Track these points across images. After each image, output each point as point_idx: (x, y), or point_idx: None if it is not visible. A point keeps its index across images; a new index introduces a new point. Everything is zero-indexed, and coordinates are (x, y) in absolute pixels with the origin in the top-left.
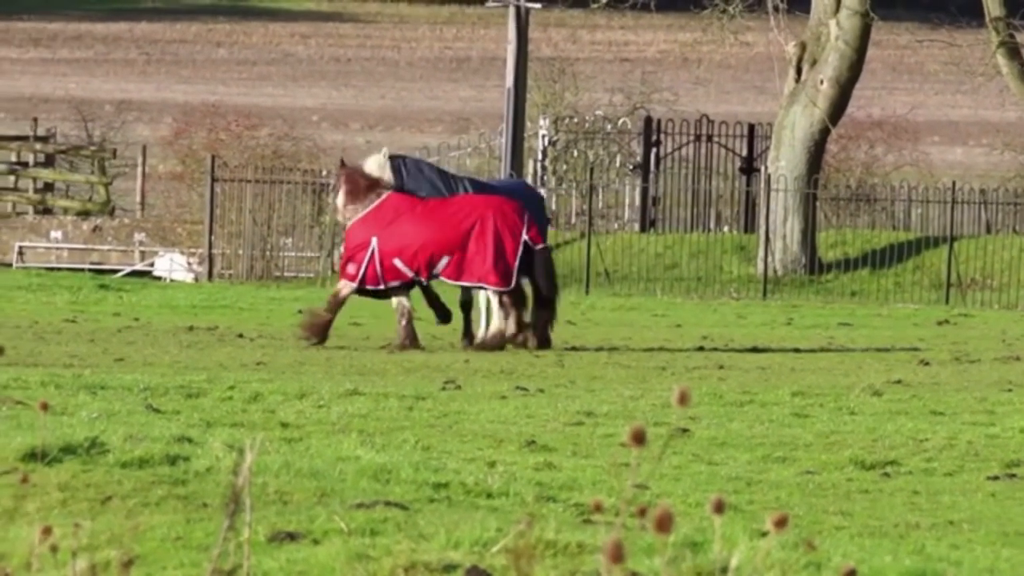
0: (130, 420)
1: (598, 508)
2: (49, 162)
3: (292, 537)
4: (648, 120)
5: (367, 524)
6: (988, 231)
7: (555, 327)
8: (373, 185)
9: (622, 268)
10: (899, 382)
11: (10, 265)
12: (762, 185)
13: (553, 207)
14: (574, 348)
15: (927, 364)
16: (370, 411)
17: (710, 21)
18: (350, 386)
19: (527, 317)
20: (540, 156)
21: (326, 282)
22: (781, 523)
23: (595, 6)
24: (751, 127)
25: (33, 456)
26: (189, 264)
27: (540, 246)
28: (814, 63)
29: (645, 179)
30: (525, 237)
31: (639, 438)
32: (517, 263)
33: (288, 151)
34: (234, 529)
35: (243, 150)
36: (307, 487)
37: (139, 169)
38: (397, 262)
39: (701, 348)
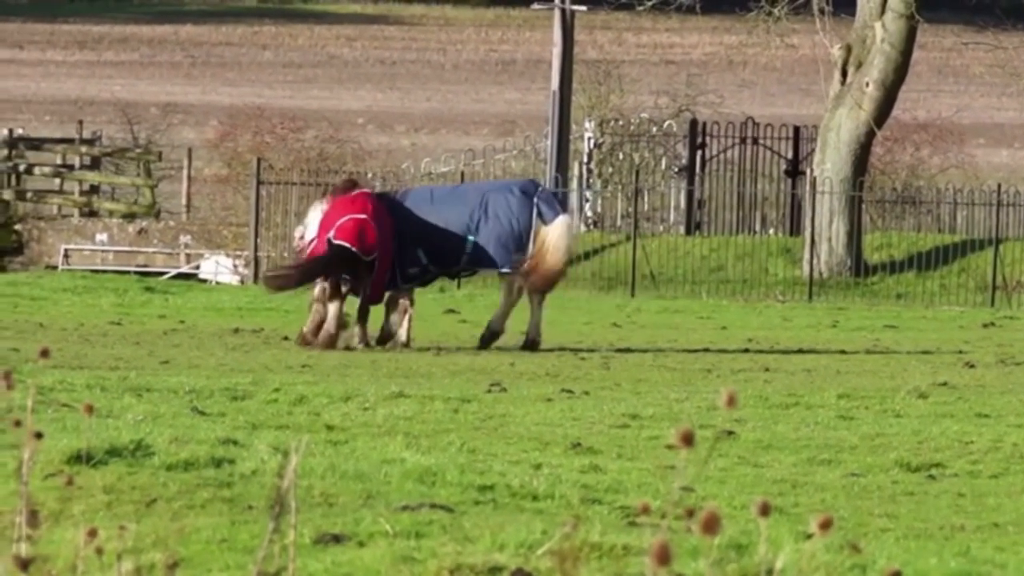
0: (175, 422)
1: (645, 510)
2: (95, 165)
3: (337, 539)
4: (693, 122)
5: (412, 526)
6: None
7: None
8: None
9: (667, 270)
10: (944, 384)
11: (56, 267)
12: (807, 188)
13: (598, 209)
14: (620, 350)
15: (972, 366)
16: (415, 413)
17: (755, 23)
18: (395, 388)
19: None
20: (585, 158)
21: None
22: (826, 525)
23: (641, 8)
24: (796, 129)
25: (79, 458)
26: (235, 266)
27: (338, 242)
28: (859, 66)
29: (691, 182)
30: (331, 233)
31: (687, 440)
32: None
33: (333, 153)
34: (279, 531)
35: (288, 153)
36: (352, 489)
37: (184, 172)
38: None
39: (747, 350)
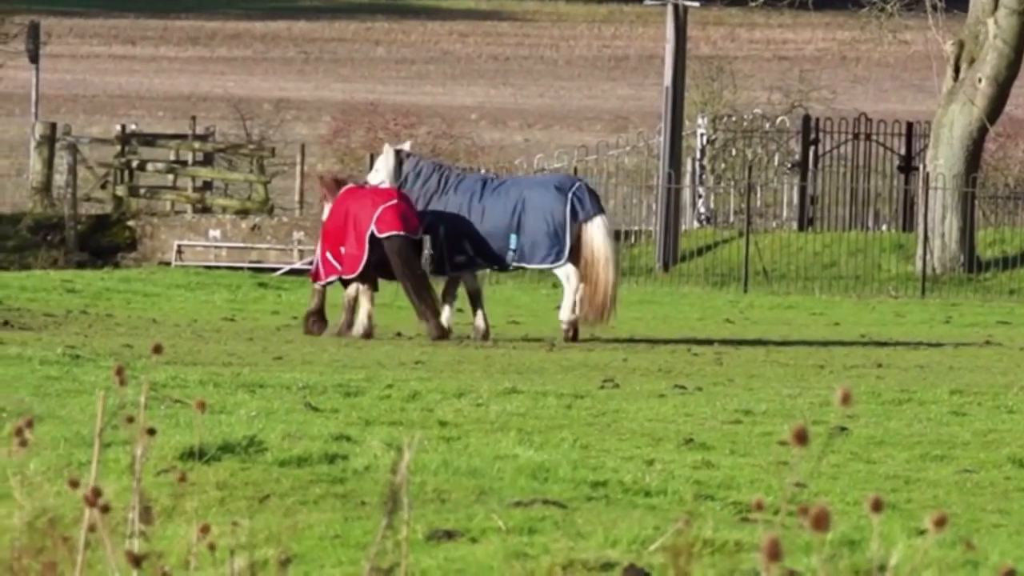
0: (288, 418)
1: (759, 507)
2: (208, 161)
3: (450, 535)
4: (806, 118)
5: (525, 522)
6: None
7: (424, 312)
8: (340, 184)
9: (780, 266)
10: None
11: (169, 264)
12: (920, 184)
13: (711, 205)
14: (733, 346)
15: None
16: (528, 409)
17: (868, 19)
18: (508, 384)
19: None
20: (698, 155)
21: (485, 280)
22: (940, 522)
23: (753, 4)
24: (909, 125)
25: (191, 455)
26: None
27: (387, 234)
28: (972, 62)
29: (803, 177)
30: (372, 228)
31: (802, 437)
32: (365, 253)
33: (446, 149)
34: (392, 527)
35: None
36: (465, 485)
37: (298, 168)
38: (328, 256)
39: (859, 344)
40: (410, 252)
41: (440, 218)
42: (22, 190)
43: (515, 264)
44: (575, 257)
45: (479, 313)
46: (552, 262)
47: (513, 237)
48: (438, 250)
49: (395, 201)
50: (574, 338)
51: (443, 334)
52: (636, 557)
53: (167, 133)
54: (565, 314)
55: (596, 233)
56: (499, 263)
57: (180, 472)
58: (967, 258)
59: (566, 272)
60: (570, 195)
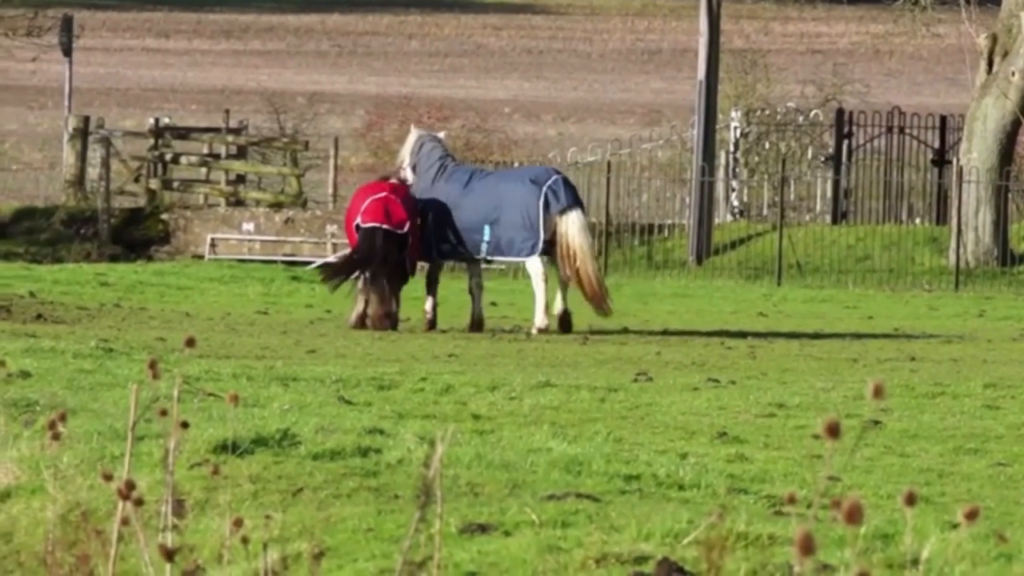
0: (322, 412)
1: (792, 500)
2: (241, 154)
3: (483, 529)
4: (840, 112)
5: (558, 516)
6: None
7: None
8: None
9: (814, 260)
10: None
11: (202, 257)
12: (954, 177)
13: (744, 199)
14: (766, 339)
15: None
16: (562, 403)
17: (901, 13)
18: (542, 378)
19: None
20: (732, 148)
21: (517, 273)
22: (972, 515)
23: None
24: (943, 119)
25: (225, 448)
26: None
27: (367, 225)
28: (1005, 55)
29: (837, 171)
30: (358, 219)
31: (834, 431)
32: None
33: (480, 143)
34: (425, 521)
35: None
36: (498, 479)
37: (331, 161)
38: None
39: (892, 337)
40: (381, 242)
41: (429, 206)
42: (55, 183)
43: (491, 257)
44: (552, 251)
45: (476, 306)
46: (527, 255)
47: (487, 229)
48: (426, 237)
49: (384, 194)
50: (567, 329)
51: (359, 325)
52: (669, 551)
53: (200, 126)
54: (538, 320)
55: (571, 226)
56: (478, 254)
57: (213, 465)
58: (1000, 251)
59: (535, 266)
60: (544, 188)
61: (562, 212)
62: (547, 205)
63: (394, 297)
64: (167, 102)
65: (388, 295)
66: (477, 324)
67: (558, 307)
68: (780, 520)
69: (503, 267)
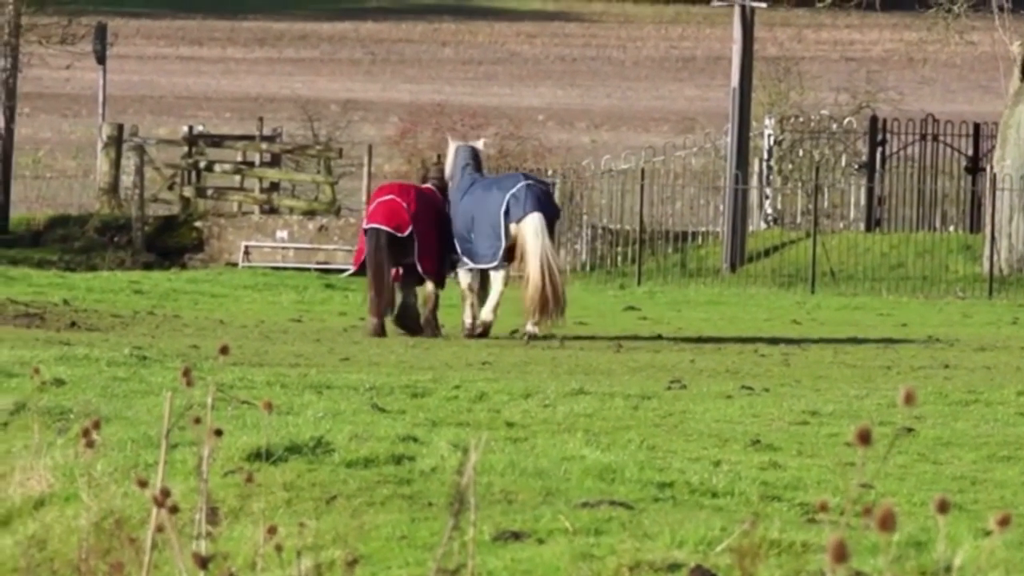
0: (355, 419)
1: (823, 508)
2: (275, 162)
3: (517, 536)
4: (874, 119)
5: (592, 523)
6: None
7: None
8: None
9: (848, 267)
10: None
11: (236, 264)
12: (987, 184)
13: (778, 206)
14: (800, 347)
15: None
16: (596, 410)
17: (935, 20)
18: (576, 385)
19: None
20: (766, 155)
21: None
22: (1005, 522)
23: (820, 5)
24: (976, 126)
25: (258, 455)
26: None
27: (370, 226)
28: None
29: (871, 178)
30: (364, 220)
31: (865, 438)
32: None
33: (514, 150)
34: (459, 528)
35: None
36: (532, 486)
37: (365, 169)
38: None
39: (926, 345)
40: (382, 244)
41: (447, 216)
42: (89, 191)
43: (466, 262)
44: (512, 256)
45: (483, 307)
46: (488, 263)
47: (472, 236)
48: (449, 244)
49: (390, 197)
50: (533, 338)
51: (377, 333)
52: (703, 558)
53: (234, 134)
54: (485, 313)
55: (527, 230)
56: (458, 260)
57: (247, 473)
58: None
59: (496, 273)
60: (507, 195)
61: (520, 218)
62: (507, 212)
63: (389, 303)
64: (201, 110)
65: (378, 301)
66: (473, 330)
67: (487, 314)
68: (813, 527)
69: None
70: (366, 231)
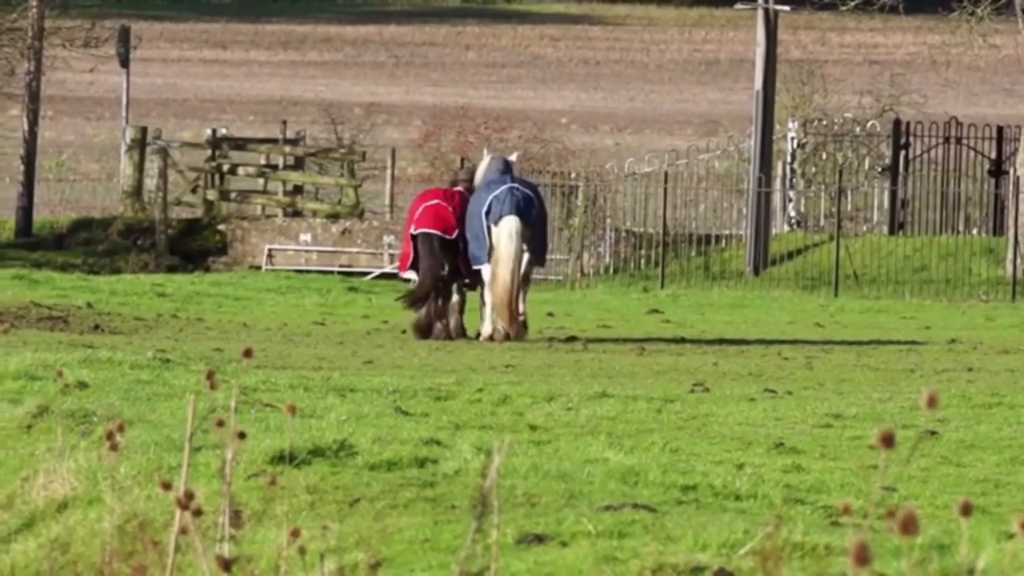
0: (379, 423)
1: (847, 510)
2: (298, 165)
3: (540, 539)
4: (897, 122)
5: (615, 526)
6: None
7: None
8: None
9: (871, 270)
10: None
11: (260, 267)
12: (1011, 187)
13: (802, 209)
14: (823, 350)
15: None
16: (619, 413)
17: (958, 23)
18: (599, 388)
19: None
20: (789, 158)
21: (575, 285)
22: None
23: (844, 8)
24: (1000, 129)
25: (282, 458)
26: None
27: (419, 231)
28: None
29: (894, 181)
30: (412, 225)
31: (888, 441)
32: (411, 250)
33: (537, 153)
34: (482, 531)
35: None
36: (555, 489)
37: (388, 172)
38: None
39: (949, 348)
40: (434, 247)
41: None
42: (113, 194)
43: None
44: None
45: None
46: (479, 264)
47: (467, 238)
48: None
49: (436, 201)
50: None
51: (422, 334)
52: (726, 561)
53: (258, 137)
54: (484, 328)
55: (501, 232)
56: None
57: (270, 476)
58: None
59: (485, 274)
60: (491, 197)
61: (499, 219)
62: (488, 213)
63: (445, 306)
64: (224, 113)
65: (434, 303)
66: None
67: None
68: (836, 530)
69: (560, 277)
70: (416, 236)
